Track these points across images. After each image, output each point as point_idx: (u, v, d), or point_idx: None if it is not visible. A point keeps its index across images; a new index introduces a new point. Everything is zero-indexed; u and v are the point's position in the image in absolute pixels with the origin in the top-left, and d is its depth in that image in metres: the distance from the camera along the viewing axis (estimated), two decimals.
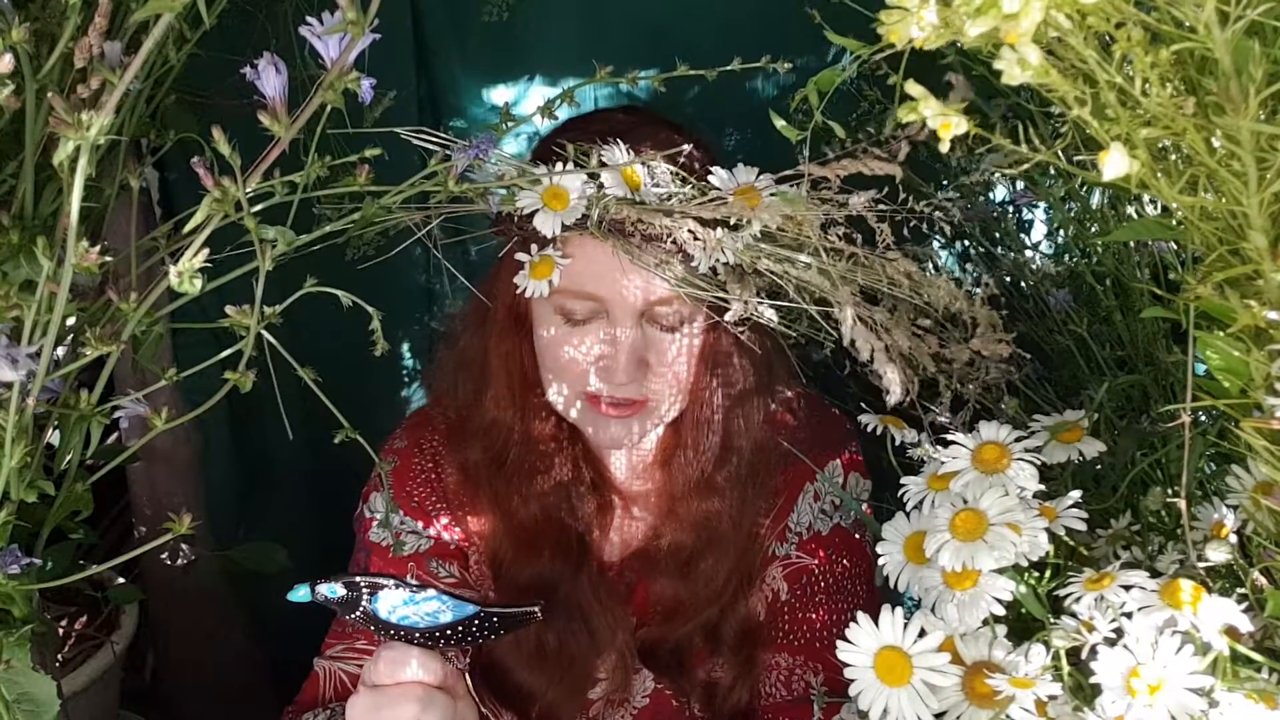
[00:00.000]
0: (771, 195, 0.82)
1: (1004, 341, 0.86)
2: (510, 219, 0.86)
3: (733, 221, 0.82)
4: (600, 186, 0.82)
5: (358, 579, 0.79)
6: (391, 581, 0.79)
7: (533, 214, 0.81)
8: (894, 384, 0.80)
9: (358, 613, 0.80)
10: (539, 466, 0.97)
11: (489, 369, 0.96)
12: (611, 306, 0.87)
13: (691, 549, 0.97)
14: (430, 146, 0.79)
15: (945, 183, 1.09)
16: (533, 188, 0.82)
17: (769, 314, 0.84)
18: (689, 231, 0.81)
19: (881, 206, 0.82)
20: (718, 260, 0.82)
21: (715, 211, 0.82)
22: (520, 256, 0.87)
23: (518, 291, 0.87)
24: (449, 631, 0.80)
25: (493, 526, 0.99)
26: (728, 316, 0.84)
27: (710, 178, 0.84)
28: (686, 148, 0.85)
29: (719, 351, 0.92)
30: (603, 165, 0.82)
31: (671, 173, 0.85)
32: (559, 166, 0.83)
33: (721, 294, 0.83)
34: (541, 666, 0.97)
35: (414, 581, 0.81)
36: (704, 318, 0.89)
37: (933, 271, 0.89)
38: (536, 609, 0.82)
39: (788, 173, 0.84)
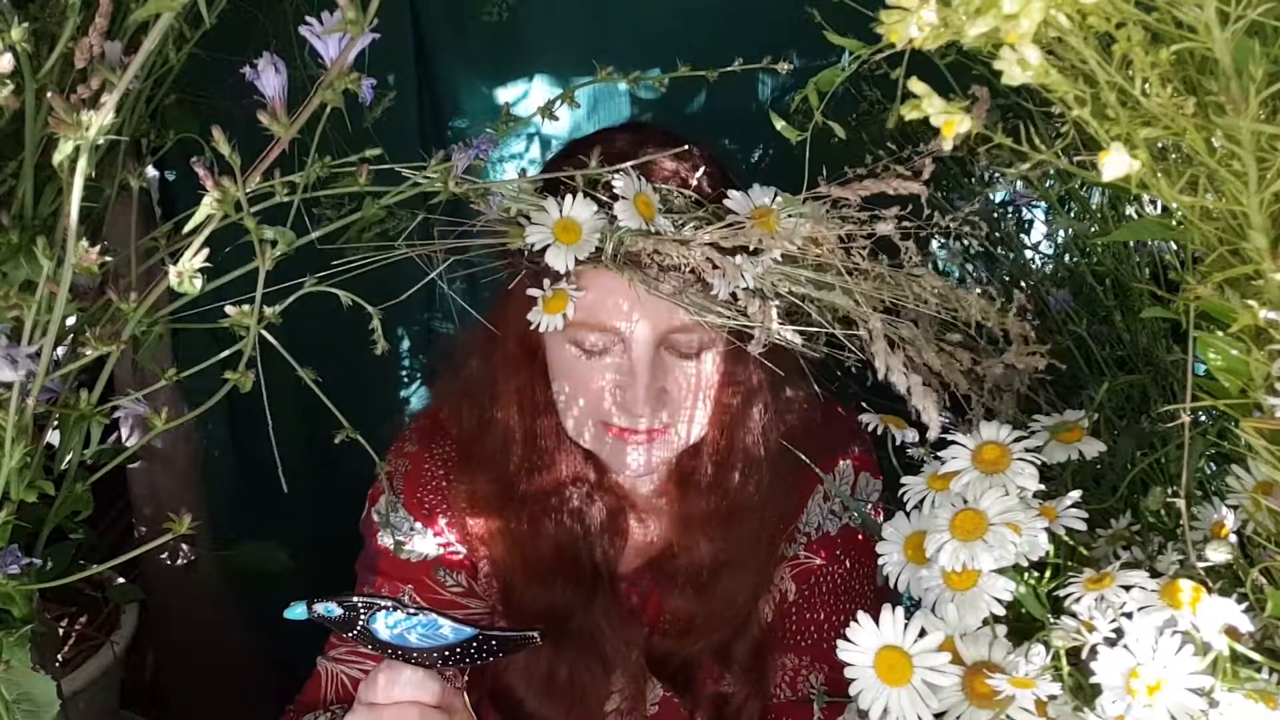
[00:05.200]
0: (789, 217, 0.79)
1: (1038, 354, 0.82)
2: (519, 253, 0.83)
3: (751, 246, 0.79)
4: (613, 220, 0.79)
5: (355, 599, 0.79)
6: (389, 603, 0.78)
7: (544, 249, 0.78)
8: (932, 416, 0.76)
9: (355, 632, 0.79)
10: (549, 500, 0.94)
11: (498, 401, 0.93)
12: (628, 338, 0.84)
13: (711, 567, 0.95)
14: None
15: (963, 192, 1.08)
16: (542, 220, 0.79)
17: (792, 338, 0.81)
18: (707, 259, 0.78)
19: (906, 224, 0.79)
20: (737, 286, 0.79)
21: (733, 239, 0.79)
22: (533, 292, 0.83)
23: (531, 328, 0.84)
24: (446, 652, 0.79)
25: (505, 557, 0.97)
26: (750, 346, 0.81)
27: (726, 201, 0.82)
28: (699, 171, 0.83)
29: (738, 379, 0.90)
30: (614, 197, 0.79)
31: (685, 199, 0.81)
32: (568, 198, 0.80)
33: (742, 320, 0.80)
34: (553, 697, 0.96)
35: (410, 604, 0.80)
36: (723, 344, 0.86)
37: (955, 284, 0.85)
38: (535, 634, 0.81)
39: (807, 195, 0.81)
